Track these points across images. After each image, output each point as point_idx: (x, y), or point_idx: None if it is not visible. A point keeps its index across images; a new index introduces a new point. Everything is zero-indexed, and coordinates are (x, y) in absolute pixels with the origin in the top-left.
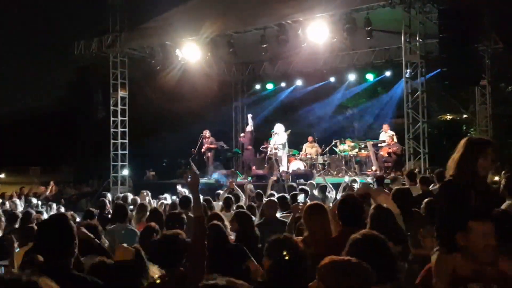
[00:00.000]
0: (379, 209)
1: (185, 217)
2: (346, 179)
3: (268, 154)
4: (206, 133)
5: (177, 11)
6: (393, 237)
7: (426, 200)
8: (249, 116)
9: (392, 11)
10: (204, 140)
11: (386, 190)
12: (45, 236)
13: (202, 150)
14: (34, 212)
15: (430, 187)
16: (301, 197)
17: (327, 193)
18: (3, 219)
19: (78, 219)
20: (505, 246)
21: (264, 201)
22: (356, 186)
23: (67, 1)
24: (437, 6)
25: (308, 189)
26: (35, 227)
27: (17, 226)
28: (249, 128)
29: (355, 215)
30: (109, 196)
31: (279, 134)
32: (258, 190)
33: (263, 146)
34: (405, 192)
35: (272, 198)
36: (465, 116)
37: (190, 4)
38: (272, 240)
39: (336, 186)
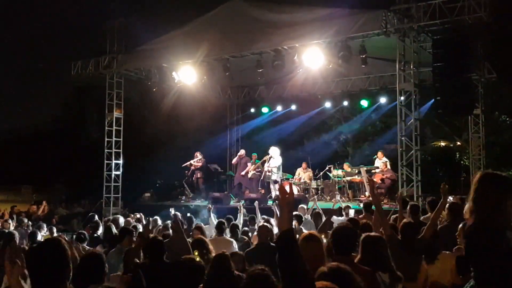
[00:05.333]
0: (369, 237)
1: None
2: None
3: (261, 178)
4: (197, 154)
5: (174, 34)
6: (381, 265)
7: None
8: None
9: (387, 39)
10: (193, 161)
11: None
12: (39, 261)
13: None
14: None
15: (421, 217)
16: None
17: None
18: None
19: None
20: None
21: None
22: (352, 212)
23: (65, 22)
24: (431, 36)
25: (301, 214)
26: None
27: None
28: (242, 152)
29: (348, 244)
30: (96, 217)
31: (274, 158)
32: (252, 215)
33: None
34: (410, 225)
35: (265, 224)
36: (458, 143)
37: (187, 28)
38: (250, 274)
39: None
